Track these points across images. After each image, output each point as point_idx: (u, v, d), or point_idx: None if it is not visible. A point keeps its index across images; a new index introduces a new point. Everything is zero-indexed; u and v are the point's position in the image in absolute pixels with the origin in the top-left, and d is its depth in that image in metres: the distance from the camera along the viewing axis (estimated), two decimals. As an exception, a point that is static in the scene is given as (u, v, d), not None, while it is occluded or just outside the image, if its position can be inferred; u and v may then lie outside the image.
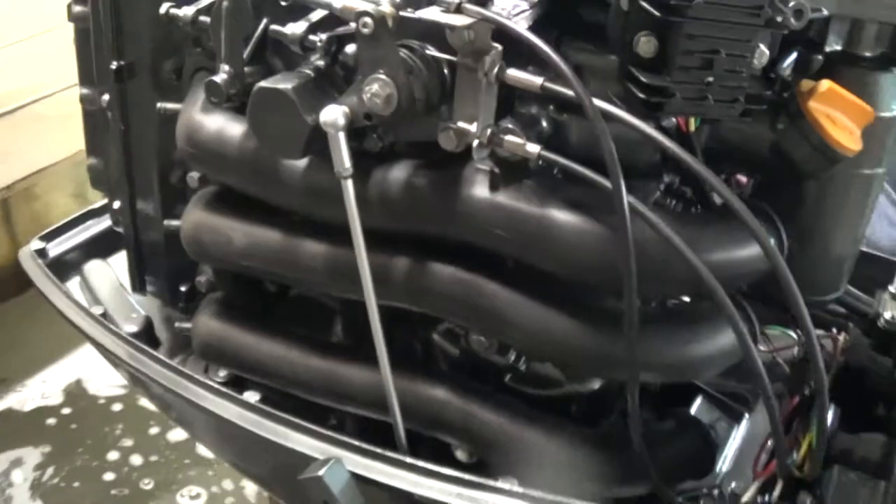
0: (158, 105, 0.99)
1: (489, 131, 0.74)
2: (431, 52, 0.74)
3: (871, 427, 0.91)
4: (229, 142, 0.90)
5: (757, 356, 0.74)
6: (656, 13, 0.70)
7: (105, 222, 1.38)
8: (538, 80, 0.71)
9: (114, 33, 1.02)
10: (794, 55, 0.86)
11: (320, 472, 0.79)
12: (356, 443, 0.84)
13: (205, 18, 0.85)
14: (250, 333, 1.04)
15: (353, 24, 0.77)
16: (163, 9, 0.88)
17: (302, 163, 0.85)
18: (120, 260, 1.36)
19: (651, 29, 0.72)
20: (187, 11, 0.86)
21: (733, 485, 0.96)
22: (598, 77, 0.77)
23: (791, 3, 0.72)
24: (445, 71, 0.75)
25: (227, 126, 0.91)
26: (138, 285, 1.21)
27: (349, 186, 0.77)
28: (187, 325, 1.12)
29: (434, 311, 0.87)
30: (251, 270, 0.97)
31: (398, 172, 0.81)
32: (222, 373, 1.10)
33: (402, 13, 0.72)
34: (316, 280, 0.91)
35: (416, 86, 0.73)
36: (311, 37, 0.77)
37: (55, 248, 1.32)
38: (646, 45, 0.72)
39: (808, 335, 0.74)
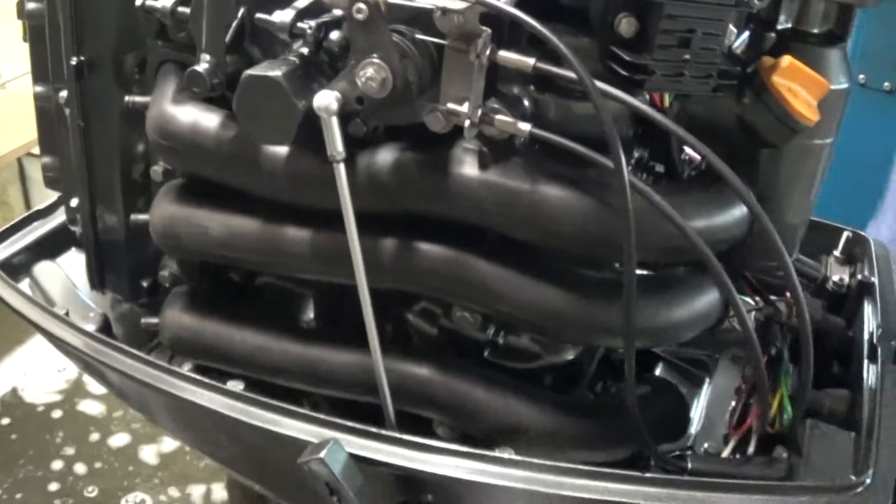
0: (127, 98, 0.98)
1: (480, 111, 0.76)
2: (421, 36, 0.76)
3: (829, 385, 0.97)
4: (205, 132, 0.90)
5: (745, 312, 0.78)
6: (640, -5, 0.73)
7: (50, 223, 1.35)
8: (530, 61, 0.74)
9: (73, 29, 1.00)
10: (747, 33, 0.91)
11: (321, 455, 0.80)
12: (350, 424, 0.85)
13: (183, 9, 0.84)
14: (222, 324, 1.04)
15: (337, 11, 0.78)
16: (139, 1, 0.87)
17: (285, 150, 0.86)
18: (69, 259, 1.34)
19: (632, 10, 0.75)
20: (165, 3, 0.85)
21: (706, 445, 1.01)
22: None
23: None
24: (434, 54, 0.76)
25: (201, 117, 0.91)
26: (97, 283, 1.19)
27: (342, 170, 0.78)
28: (154, 320, 1.11)
29: (423, 290, 0.89)
30: (229, 260, 0.97)
31: (386, 155, 0.83)
32: (187, 365, 1.10)
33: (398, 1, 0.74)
34: (301, 265, 0.92)
35: (410, 69, 0.74)
36: (300, 24, 0.78)
37: (2, 252, 1.29)
38: (627, 25, 0.76)
39: (794, 290, 0.79)
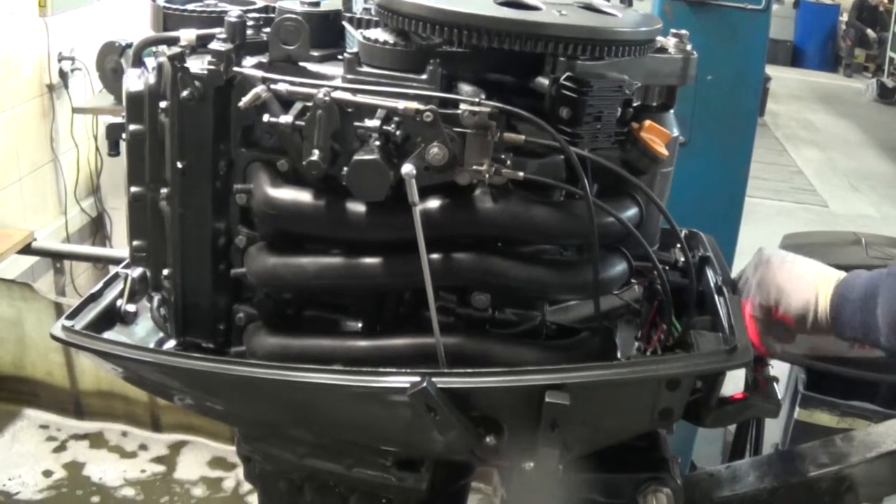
0: (236, 186, 1.58)
1: (493, 168, 1.44)
2: (457, 129, 1.43)
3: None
4: (305, 202, 1.52)
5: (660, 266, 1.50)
6: (573, 95, 1.45)
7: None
8: (522, 137, 1.43)
9: (179, 144, 1.58)
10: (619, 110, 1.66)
11: (424, 384, 1.42)
12: (429, 370, 1.47)
13: (299, 122, 1.46)
14: (302, 339, 1.63)
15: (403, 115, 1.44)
16: (265, 118, 1.48)
17: (363, 207, 1.49)
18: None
19: (567, 104, 1.46)
20: (287, 119, 1.46)
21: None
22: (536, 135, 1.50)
23: (633, 83, 1.51)
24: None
25: (298, 194, 1.53)
26: (181, 332, 1.73)
27: (417, 211, 1.42)
28: (242, 348, 1.68)
29: (461, 283, 1.54)
30: (319, 287, 1.58)
31: (436, 203, 1.48)
32: None
33: (442, 111, 1.41)
34: (375, 281, 1.54)
35: (456, 148, 1.41)
36: (386, 127, 1.42)
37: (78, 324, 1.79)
38: (566, 113, 1.47)
39: (655, 264, 1.52)
